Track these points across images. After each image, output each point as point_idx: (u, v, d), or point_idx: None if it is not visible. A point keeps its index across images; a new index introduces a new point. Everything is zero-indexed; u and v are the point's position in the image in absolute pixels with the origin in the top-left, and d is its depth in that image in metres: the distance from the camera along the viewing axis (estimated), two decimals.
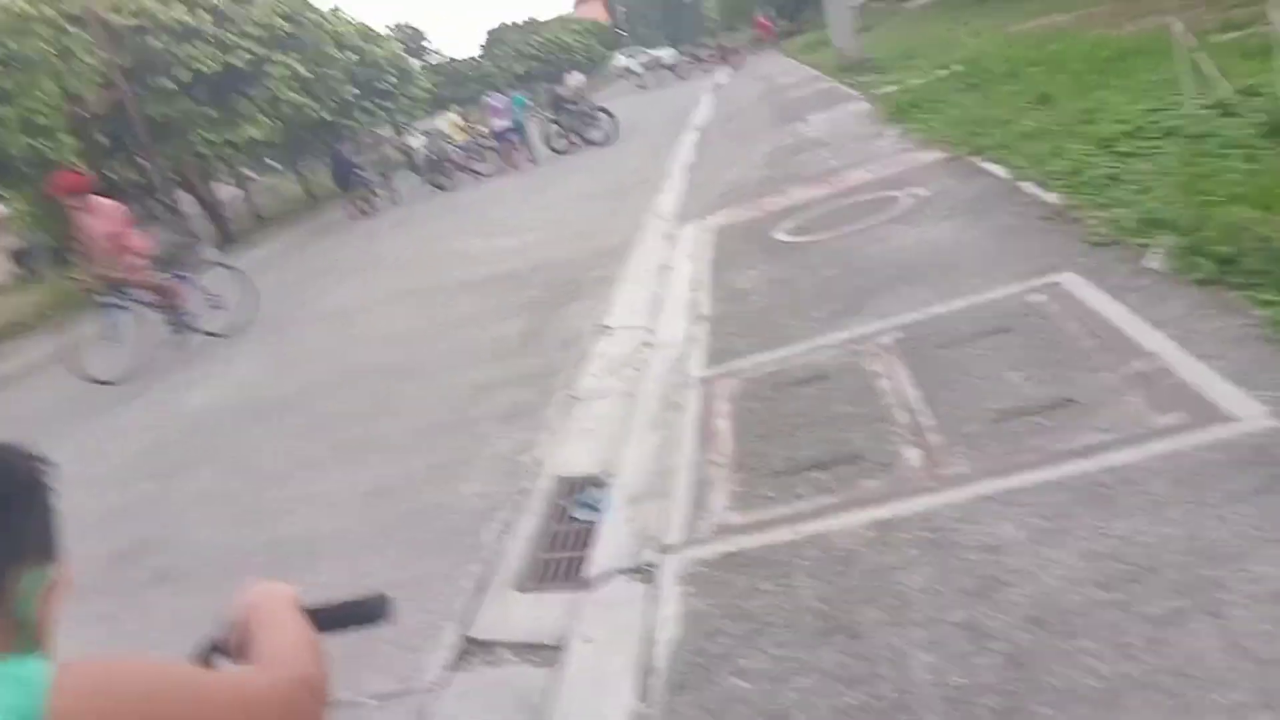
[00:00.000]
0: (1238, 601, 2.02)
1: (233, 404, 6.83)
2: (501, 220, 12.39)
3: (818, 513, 2.89)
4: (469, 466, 4.42)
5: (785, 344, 4.46)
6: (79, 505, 5.15)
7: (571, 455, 4.27)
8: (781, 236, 6.58)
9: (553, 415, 4.80)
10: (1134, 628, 2.05)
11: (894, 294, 4.62)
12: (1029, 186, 5.63)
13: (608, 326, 6.10)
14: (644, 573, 2.87)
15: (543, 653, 2.90)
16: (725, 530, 2.96)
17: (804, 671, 2.22)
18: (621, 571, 2.91)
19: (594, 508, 3.72)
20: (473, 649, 3.00)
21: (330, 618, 1.12)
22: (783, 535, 2.82)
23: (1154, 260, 3.90)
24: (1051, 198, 5.24)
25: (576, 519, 3.69)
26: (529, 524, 3.71)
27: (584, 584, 3.04)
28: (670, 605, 2.64)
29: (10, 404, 9.91)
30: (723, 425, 3.78)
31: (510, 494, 4.01)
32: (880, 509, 2.78)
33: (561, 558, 3.43)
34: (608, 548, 3.14)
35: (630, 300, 6.59)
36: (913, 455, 3.04)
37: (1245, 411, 2.68)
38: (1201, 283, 3.54)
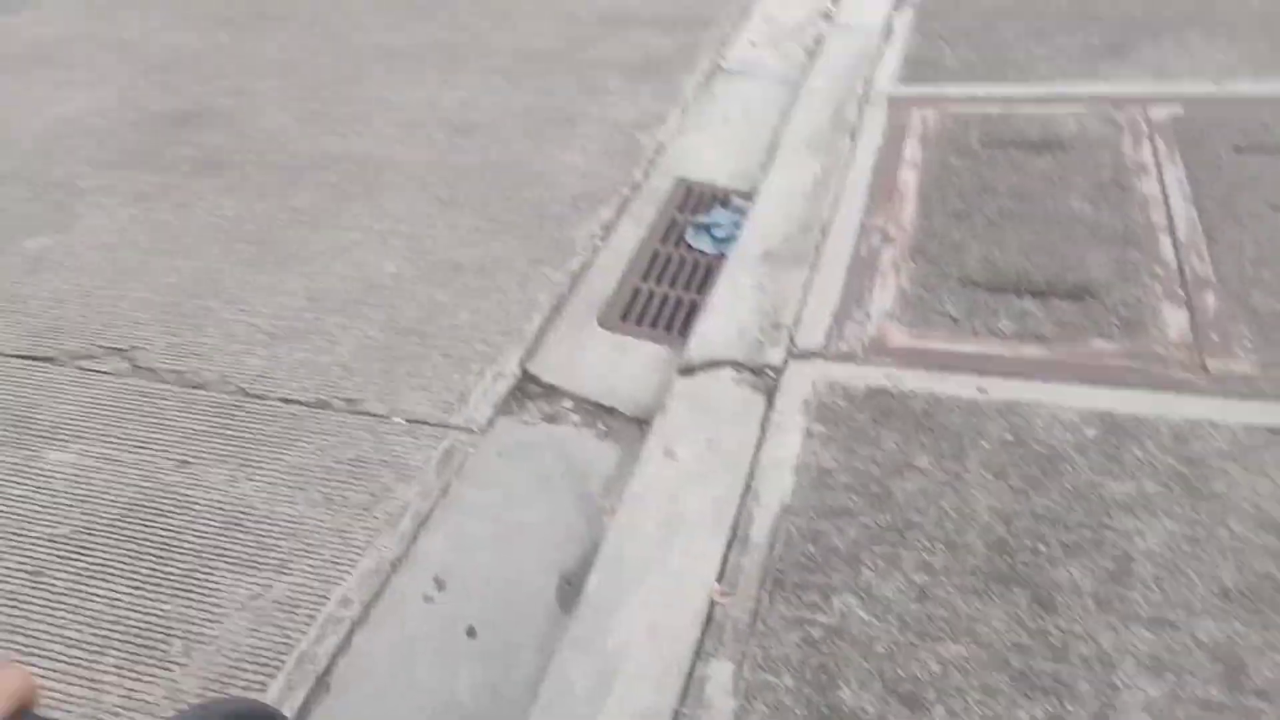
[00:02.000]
0: None
1: None
2: None
3: (1017, 367, 2.09)
4: (573, 126, 3.58)
5: (1015, 77, 3.34)
6: (150, 39, 4.45)
7: (701, 151, 3.39)
8: None
9: (690, 86, 3.83)
10: None
11: (1185, 43, 3.37)
12: None
13: None
14: (761, 377, 2.17)
15: (613, 422, 2.32)
16: (881, 348, 2.20)
17: (957, 632, 1.59)
18: (732, 365, 2.21)
19: (715, 236, 2.94)
20: (530, 388, 2.42)
21: None
22: (961, 387, 2.05)
23: None
24: None
25: (691, 245, 2.93)
26: (632, 234, 2.97)
27: (680, 357, 2.37)
28: (786, 443, 1.96)
29: None
30: (907, 179, 2.85)
31: (618, 182, 3.21)
32: (1111, 396, 1.98)
33: (661, 294, 2.73)
34: (721, 314, 2.41)
35: None
36: (1173, 320, 2.17)
37: None
38: None
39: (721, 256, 2.84)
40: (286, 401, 2.34)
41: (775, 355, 2.20)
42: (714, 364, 2.21)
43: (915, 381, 2.07)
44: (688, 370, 2.22)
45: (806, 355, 2.19)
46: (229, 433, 2.25)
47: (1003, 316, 2.24)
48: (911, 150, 2.97)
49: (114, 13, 4.83)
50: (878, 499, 1.81)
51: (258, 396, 2.35)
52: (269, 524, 2.01)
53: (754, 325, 2.33)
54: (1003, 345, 2.16)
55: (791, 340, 2.24)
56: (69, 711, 1.66)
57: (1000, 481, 1.81)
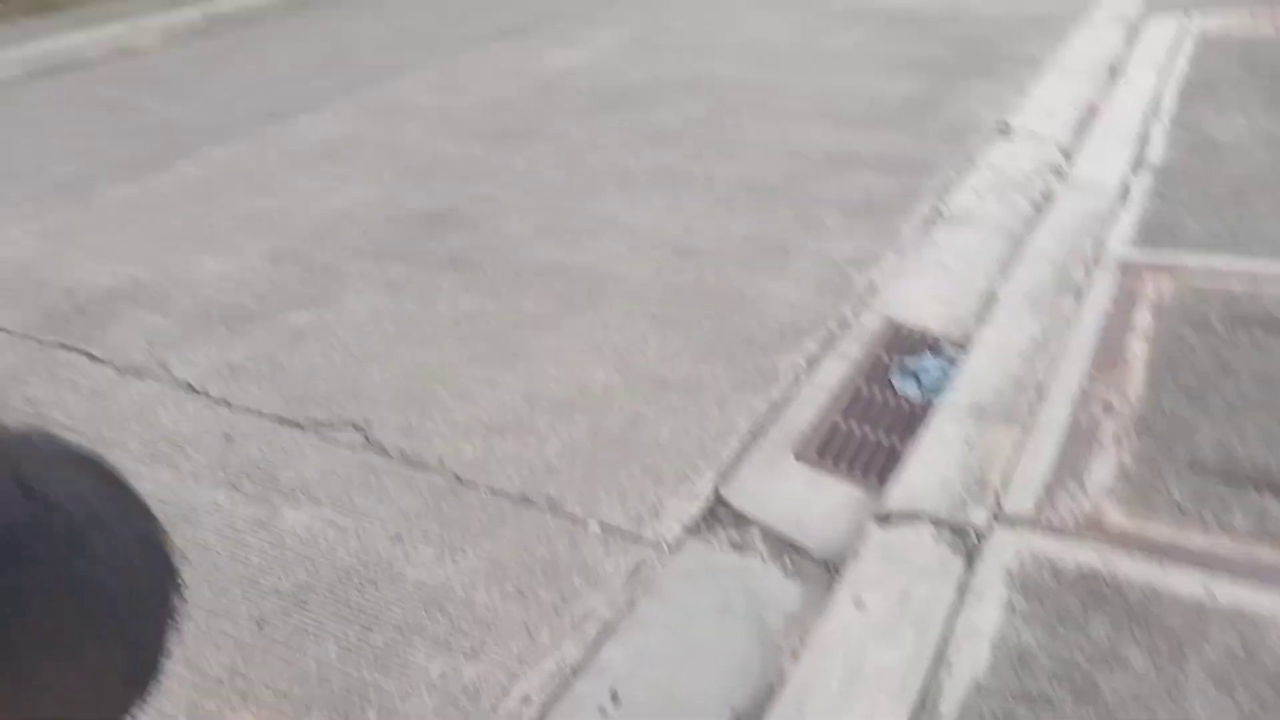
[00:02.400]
0: None
1: (583, 73, 6.31)
2: None
3: (1252, 570, 1.93)
4: (787, 257, 3.68)
5: (1265, 253, 3.17)
6: (415, 146, 5.00)
7: (914, 294, 3.40)
8: None
9: (908, 229, 3.87)
10: None
11: None
12: None
13: (1009, 125, 4.84)
14: (963, 537, 2.11)
15: (800, 559, 2.31)
16: (1096, 526, 2.09)
17: None
18: (932, 520, 2.16)
19: (921, 383, 2.92)
20: (720, 512, 2.45)
21: None
22: (1184, 584, 1.92)
23: None
24: None
25: (896, 389, 2.92)
26: (836, 370, 2.99)
27: (877, 505, 2.34)
28: (984, 613, 1.89)
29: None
30: (1136, 349, 2.73)
31: (826, 318, 3.26)
32: None
33: (860, 434, 2.72)
34: (924, 465, 2.38)
35: (1052, 100, 5.18)
36: None
37: None
38: None
39: (927, 404, 2.81)
40: (494, 492, 2.49)
41: (979, 516, 2.14)
42: (913, 516, 2.18)
43: (1132, 569, 1.95)
44: (884, 519, 2.20)
45: (1013, 522, 2.12)
46: (440, 514, 2.42)
47: (1237, 511, 2.08)
48: (1142, 319, 2.86)
49: (388, 120, 5.45)
50: (1083, 693, 1.70)
51: (470, 484, 2.52)
52: (465, 609, 2.12)
53: (958, 481, 2.27)
54: (1235, 544, 2.00)
55: (998, 503, 2.18)
56: None
57: (1226, 697, 1.66)
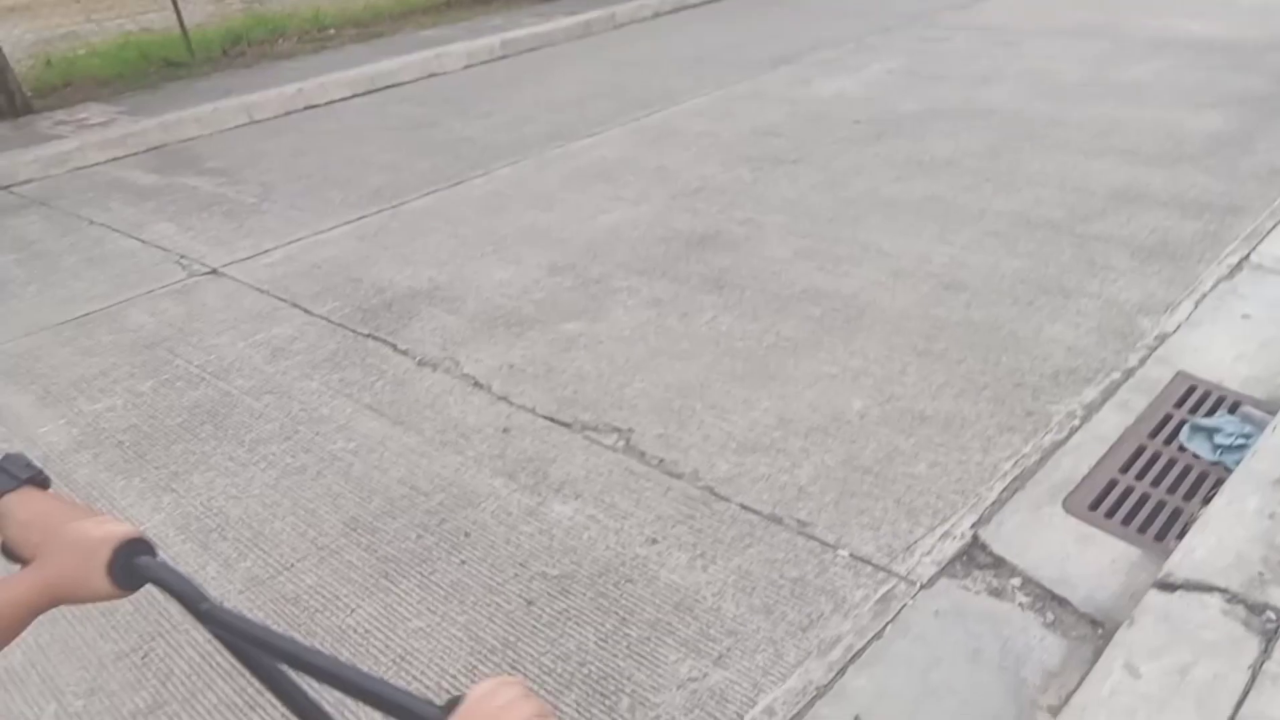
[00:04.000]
0: None
1: (853, 101, 6.30)
2: None
3: None
4: (1066, 299, 3.48)
5: None
6: (684, 169, 5.21)
7: (1212, 348, 3.11)
8: None
9: (1209, 276, 3.54)
10: None
11: None
12: None
13: None
14: (1258, 616, 1.92)
15: (1063, 614, 2.19)
16: None
17: None
18: (1223, 593, 1.98)
19: (1216, 444, 2.67)
20: (978, 555, 2.37)
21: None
22: None
23: None
24: None
25: (1185, 447, 2.69)
26: (1116, 421, 2.80)
27: (1155, 555, 2.18)
28: (1278, 700, 1.71)
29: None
30: None
31: (1108, 365, 3.07)
32: None
33: (1142, 492, 2.53)
34: (1217, 533, 2.18)
35: None
36: None
37: None
38: None
39: (1220, 467, 2.57)
40: (745, 509, 2.55)
41: (1279, 596, 1.94)
42: (1200, 586, 2.00)
43: None
44: (1167, 585, 2.04)
45: None
46: (692, 523, 2.51)
47: None
48: None
49: (659, 144, 5.71)
50: None
51: (723, 498, 2.59)
52: (714, 616, 2.20)
53: (1257, 556, 2.07)
54: None
55: None
56: None
57: None
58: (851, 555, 2.37)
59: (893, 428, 2.85)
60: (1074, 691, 1.86)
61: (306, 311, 3.89)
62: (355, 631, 2.24)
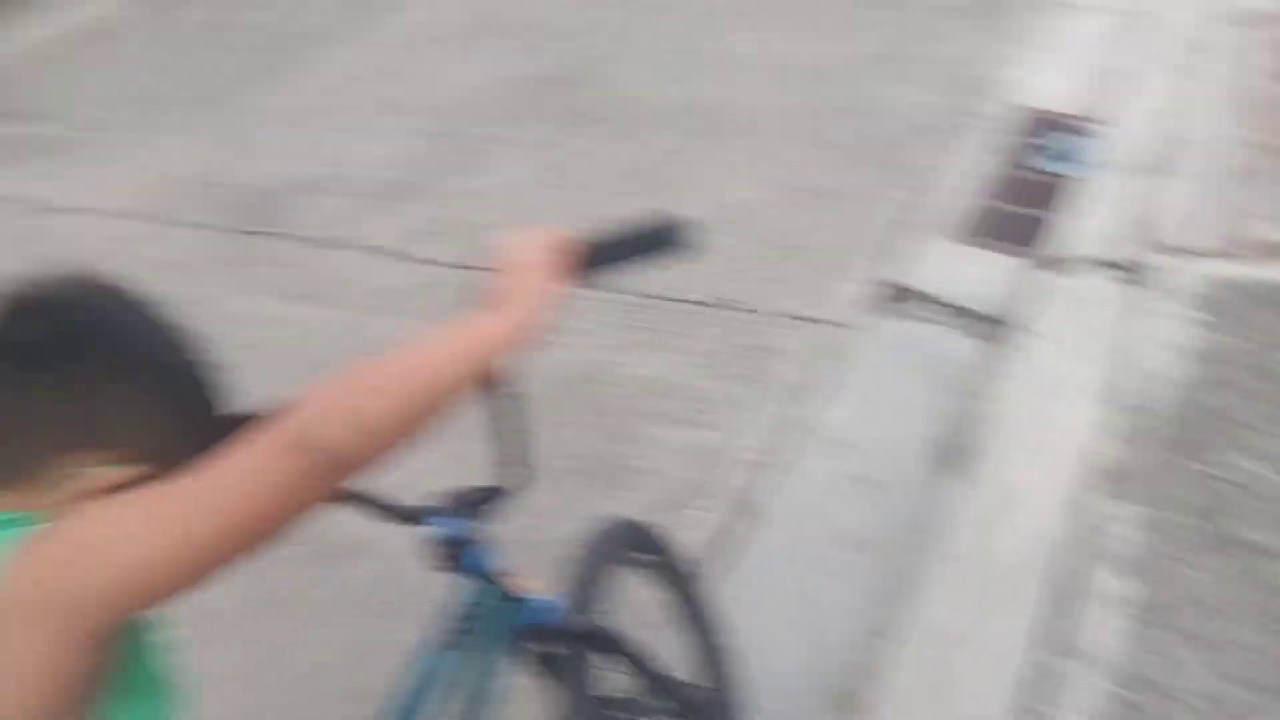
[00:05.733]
0: None
1: None
2: None
3: None
4: (911, 65, 3.78)
5: None
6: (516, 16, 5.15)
7: (1046, 82, 3.48)
8: None
9: (1027, 22, 3.89)
10: None
11: None
12: None
13: None
14: (1131, 272, 2.30)
15: (975, 321, 2.54)
16: (1268, 249, 2.26)
17: None
18: (1099, 262, 2.36)
19: (1067, 159, 3.05)
20: (895, 292, 2.69)
21: (609, 252, 0.95)
22: None
23: None
24: None
25: (1040, 170, 3.06)
26: (975, 159, 3.14)
27: (1042, 259, 2.54)
28: (1174, 329, 2.10)
29: None
30: (1276, 91, 2.81)
31: (957, 113, 3.39)
32: None
33: (1013, 213, 2.89)
34: (1080, 225, 2.56)
35: None
36: None
37: None
38: None
39: (1077, 178, 2.95)
40: (681, 300, 2.78)
41: (1147, 252, 2.33)
42: (1081, 260, 2.37)
43: None
44: (1053, 264, 2.40)
45: (1180, 252, 2.30)
46: (638, 318, 2.73)
47: None
48: (1276, 61, 2.91)
49: None
50: (1259, 370, 1.91)
51: (658, 297, 2.81)
52: (688, 391, 2.44)
53: (1117, 230, 2.45)
54: None
55: (1159, 241, 2.35)
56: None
57: None
58: (784, 314, 2.65)
59: (791, 206, 3.10)
60: (999, 367, 2.21)
61: (191, 225, 3.76)
62: None
